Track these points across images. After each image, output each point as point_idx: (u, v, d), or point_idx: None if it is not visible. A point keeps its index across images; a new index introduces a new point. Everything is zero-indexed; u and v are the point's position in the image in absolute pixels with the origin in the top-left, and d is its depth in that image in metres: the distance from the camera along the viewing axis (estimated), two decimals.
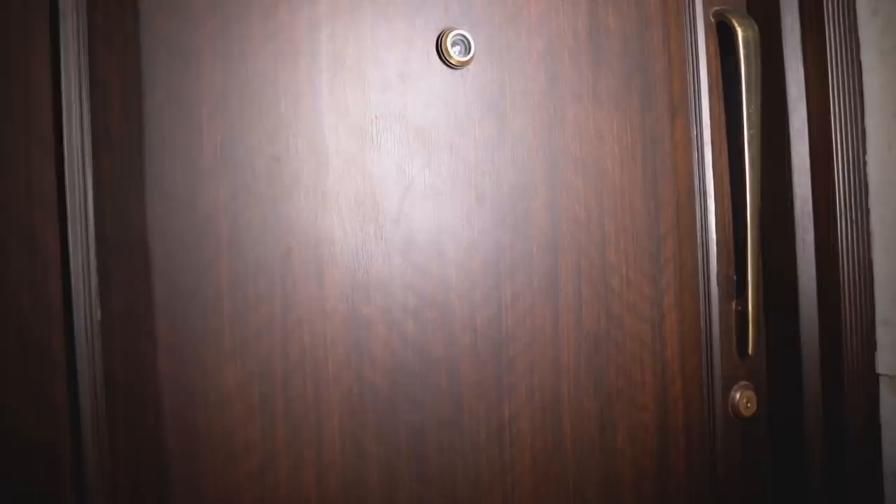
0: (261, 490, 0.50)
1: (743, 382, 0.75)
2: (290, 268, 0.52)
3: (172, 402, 0.47)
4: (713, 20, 0.74)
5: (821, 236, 0.83)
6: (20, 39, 0.44)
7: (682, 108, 0.71)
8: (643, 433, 0.68)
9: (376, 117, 0.56)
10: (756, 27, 0.70)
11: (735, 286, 0.77)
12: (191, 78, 0.49)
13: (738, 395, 0.74)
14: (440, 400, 0.58)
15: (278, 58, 0.52)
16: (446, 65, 0.59)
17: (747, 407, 0.73)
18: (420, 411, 0.57)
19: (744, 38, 0.71)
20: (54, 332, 0.44)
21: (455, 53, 0.58)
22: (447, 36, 0.58)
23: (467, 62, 0.59)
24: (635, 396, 0.68)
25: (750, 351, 0.73)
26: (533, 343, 0.62)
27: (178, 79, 0.48)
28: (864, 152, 0.83)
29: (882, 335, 0.82)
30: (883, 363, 0.83)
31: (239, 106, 0.50)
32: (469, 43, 0.59)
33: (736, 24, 0.71)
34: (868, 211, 0.83)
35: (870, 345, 0.82)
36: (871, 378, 0.82)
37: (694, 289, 0.72)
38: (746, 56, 0.72)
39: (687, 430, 0.70)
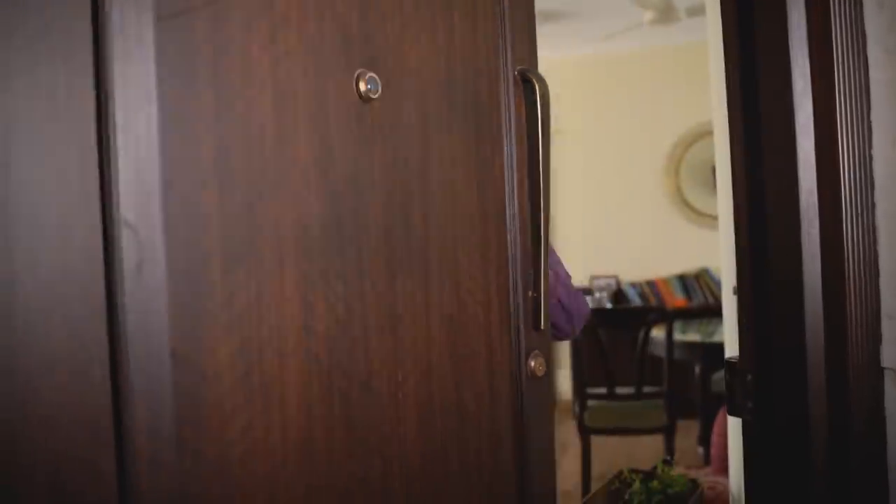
0: (244, 446, 0.61)
1: (536, 352, 0.99)
2: (262, 260, 0.63)
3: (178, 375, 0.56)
4: (517, 76, 0.92)
5: (826, 230, 0.83)
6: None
7: (499, 142, 0.94)
8: (480, 390, 0.89)
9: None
10: (546, 83, 0.94)
11: (531, 279, 1.01)
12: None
13: (533, 362, 0.97)
14: (360, 368, 0.73)
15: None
16: (361, 98, 0.74)
17: (540, 370, 0.97)
18: (347, 378, 0.71)
19: (540, 91, 0.91)
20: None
21: (369, 90, 0.74)
22: (363, 77, 0.73)
23: (377, 97, 0.75)
24: (474, 363, 0.89)
25: (542, 326, 0.97)
26: (415, 323, 0.80)
27: None
28: (870, 147, 0.83)
29: (887, 329, 0.81)
30: (888, 357, 0.82)
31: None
32: (377, 83, 0.75)
33: (534, 80, 0.91)
34: (874, 206, 0.82)
35: (875, 338, 0.82)
36: (876, 371, 0.82)
37: (505, 281, 0.94)
38: (543, 105, 0.91)
39: (505, 387, 0.93)
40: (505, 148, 0.93)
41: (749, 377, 0.93)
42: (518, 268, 0.97)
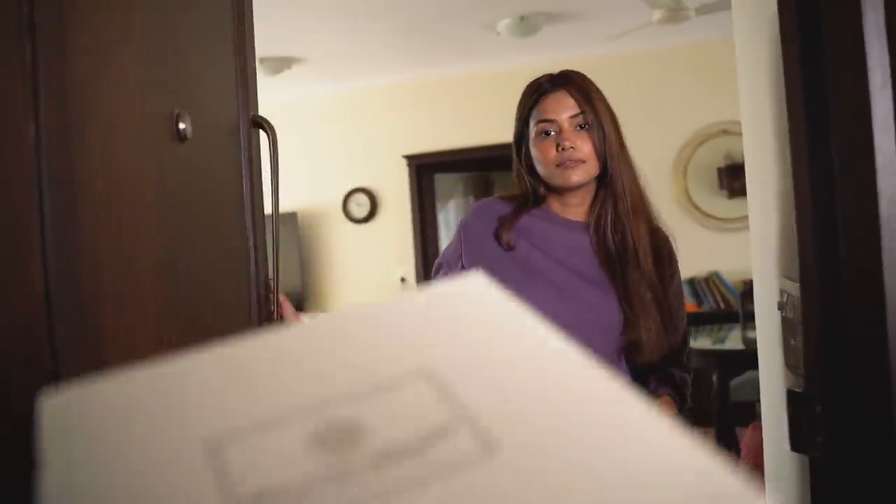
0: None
1: None
2: None
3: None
4: (252, 120, 1.06)
5: None
6: None
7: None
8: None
9: None
10: (274, 128, 1.09)
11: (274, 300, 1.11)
12: None
13: None
14: None
15: None
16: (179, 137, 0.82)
17: None
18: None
19: (272, 135, 1.07)
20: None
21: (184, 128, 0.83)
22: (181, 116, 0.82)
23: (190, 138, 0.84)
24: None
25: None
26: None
27: None
28: None
29: None
30: None
31: None
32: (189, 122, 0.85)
33: (265, 126, 1.08)
34: None
35: None
36: None
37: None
38: (272, 144, 1.07)
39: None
40: (244, 181, 1.05)
41: (819, 409, 0.83)
42: (259, 289, 1.07)
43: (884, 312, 0.75)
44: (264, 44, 4.38)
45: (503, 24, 4.17)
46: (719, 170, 4.96)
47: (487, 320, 0.34)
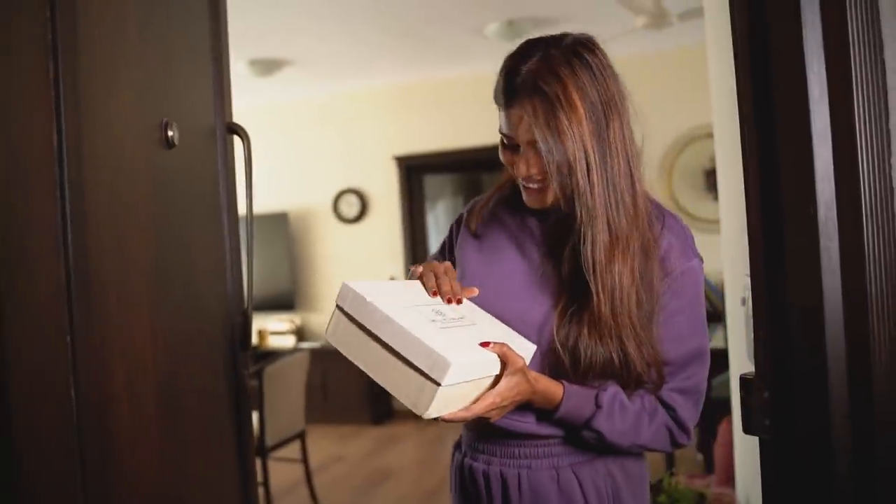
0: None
1: (251, 371, 1.12)
2: None
3: None
4: (227, 127, 1.17)
5: (846, 244, 0.80)
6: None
7: (216, 179, 1.14)
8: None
9: None
10: (248, 133, 1.20)
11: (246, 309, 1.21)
12: None
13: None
14: None
15: None
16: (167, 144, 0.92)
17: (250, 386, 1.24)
18: None
19: (247, 141, 1.19)
20: None
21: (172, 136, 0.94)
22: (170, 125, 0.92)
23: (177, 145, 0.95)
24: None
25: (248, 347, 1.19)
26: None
27: None
28: (890, 155, 0.79)
29: None
30: None
31: None
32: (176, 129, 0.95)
33: (240, 132, 1.19)
34: (895, 216, 0.79)
35: None
36: None
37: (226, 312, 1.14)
38: (246, 149, 1.19)
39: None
40: (221, 189, 1.13)
41: (766, 394, 0.90)
42: (234, 303, 1.15)
43: (821, 304, 0.82)
44: (256, 45, 4.43)
45: (491, 28, 4.25)
46: (706, 172, 5.05)
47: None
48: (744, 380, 0.94)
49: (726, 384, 3.67)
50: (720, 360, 3.62)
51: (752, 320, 1.17)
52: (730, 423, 1.80)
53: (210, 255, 1.05)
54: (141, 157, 0.81)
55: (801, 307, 0.84)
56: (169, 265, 0.87)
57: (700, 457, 3.73)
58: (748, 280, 1.19)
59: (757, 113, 0.90)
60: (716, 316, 4.46)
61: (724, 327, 4.06)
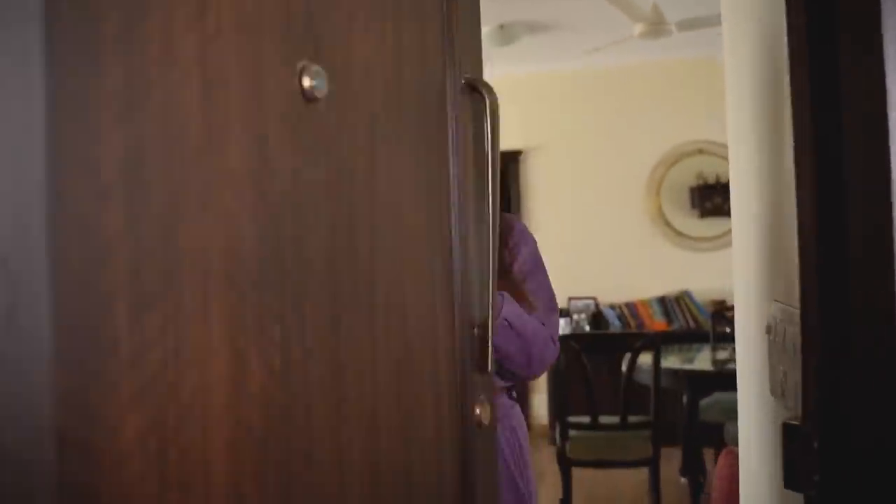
0: None
1: (482, 398, 0.84)
2: (182, 301, 0.45)
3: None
4: (465, 85, 0.85)
5: None
6: None
7: (445, 158, 0.80)
8: (427, 448, 0.74)
9: None
10: (496, 94, 0.85)
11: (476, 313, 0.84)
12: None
13: (479, 410, 0.81)
14: (300, 435, 0.56)
15: None
16: (305, 96, 0.57)
17: (486, 418, 0.82)
18: (285, 448, 0.54)
19: (490, 102, 0.85)
20: None
21: (314, 87, 0.58)
22: (308, 70, 0.56)
23: (323, 97, 0.58)
24: (422, 417, 0.74)
25: (488, 368, 0.83)
26: (360, 372, 0.64)
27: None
28: None
29: None
30: None
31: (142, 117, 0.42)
32: (324, 78, 0.58)
33: (483, 91, 0.85)
34: None
35: None
36: None
37: (451, 317, 0.79)
38: (493, 117, 0.85)
39: (452, 442, 0.78)
40: (451, 164, 0.81)
41: (815, 444, 0.76)
42: (461, 300, 0.81)
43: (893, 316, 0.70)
44: None
45: (483, 32, 4.12)
46: (691, 189, 4.96)
47: None
48: (789, 427, 0.80)
49: (711, 408, 3.56)
50: (706, 381, 3.52)
51: (778, 351, 1.05)
52: (728, 456, 1.67)
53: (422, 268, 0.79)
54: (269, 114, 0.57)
55: (871, 352, 0.72)
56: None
57: (684, 481, 3.60)
58: (776, 307, 1.06)
59: (815, 116, 0.77)
60: (702, 336, 4.37)
61: (711, 349, 3.98)
